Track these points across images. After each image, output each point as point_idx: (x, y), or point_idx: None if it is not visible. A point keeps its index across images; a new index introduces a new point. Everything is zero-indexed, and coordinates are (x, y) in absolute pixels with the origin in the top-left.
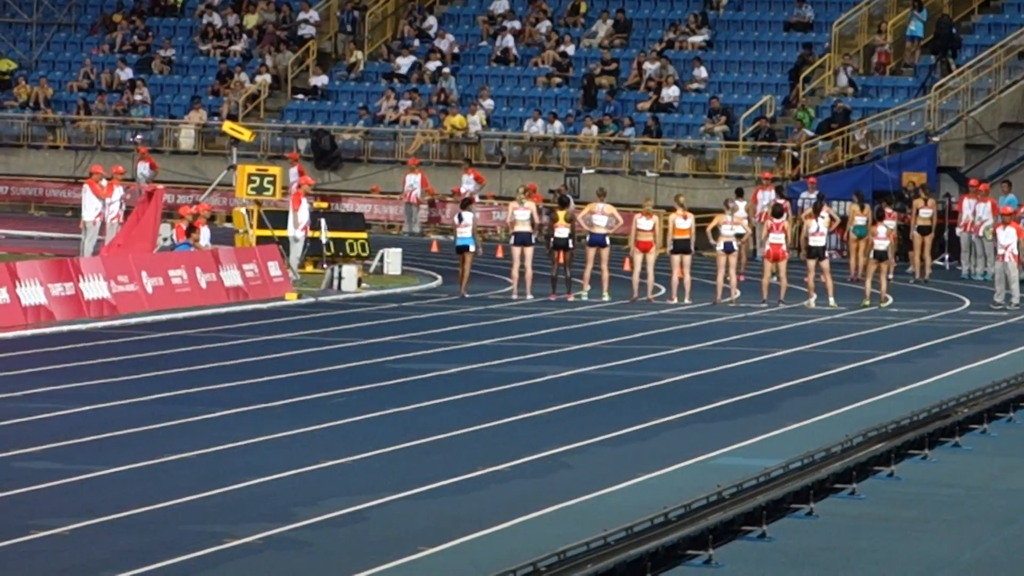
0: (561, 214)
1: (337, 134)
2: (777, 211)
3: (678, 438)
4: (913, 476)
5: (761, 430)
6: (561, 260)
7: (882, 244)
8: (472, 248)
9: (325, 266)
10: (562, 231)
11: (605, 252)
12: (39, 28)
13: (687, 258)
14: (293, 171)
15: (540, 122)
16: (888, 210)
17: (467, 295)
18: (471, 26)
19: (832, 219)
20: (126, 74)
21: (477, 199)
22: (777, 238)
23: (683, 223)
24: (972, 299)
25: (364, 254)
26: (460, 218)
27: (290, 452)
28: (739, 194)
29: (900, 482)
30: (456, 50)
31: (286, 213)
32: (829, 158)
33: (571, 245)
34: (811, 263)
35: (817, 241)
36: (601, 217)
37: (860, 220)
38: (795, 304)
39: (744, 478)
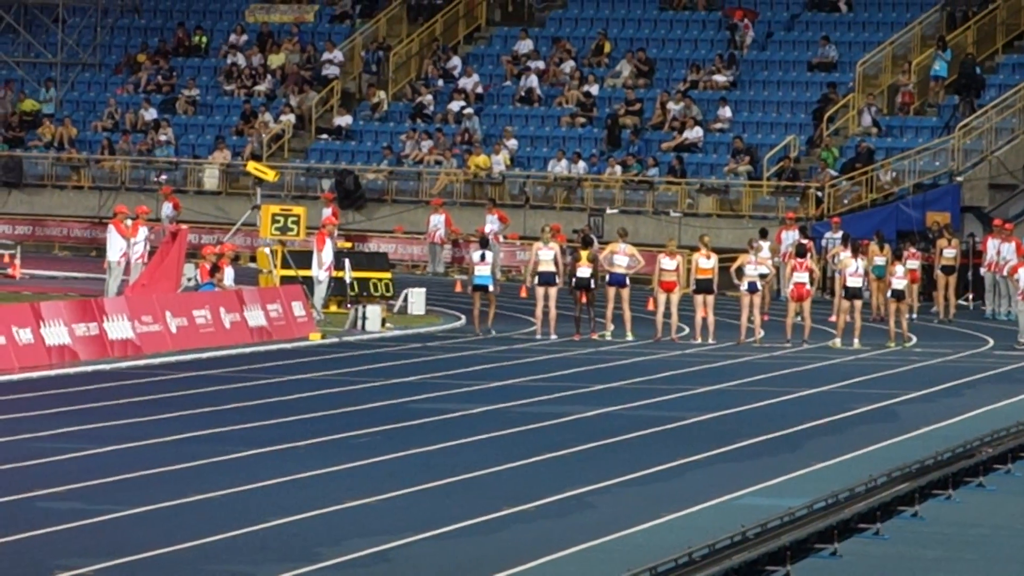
0: (584, 254)
1: (361, 174)
2: (800, 250)
3: (702, 478)
4: (937, 516)
5: (785, 470)
6: (584, 300)
7: (900, 283)
8: (491, 288)
9: (349, 306)
10: (584, 271)
11: (625, 292)
12: (63, 68)
13: (710, 298)
14: (326, 211)
15: (564, 162)
16: (911, 250)
17: (481, 335)
18: (495, 66)
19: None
20: (150, 114)
21: (501, 239)
22: (801, 277)
23: (706, 263)
24: (996, 339)
25: (388, 294)
26: (482, 257)
27: (314, 492)
28: (763, 234)
29: (924, 522)
30: (480, 90)
31: (310, 253)
32: (853, 198)
33: (593, 285)
34: (846, 304)
35: (855, 281)
36: (622, 257)
37: (879, 260)
38: (819, 344)
39: (768, 518)
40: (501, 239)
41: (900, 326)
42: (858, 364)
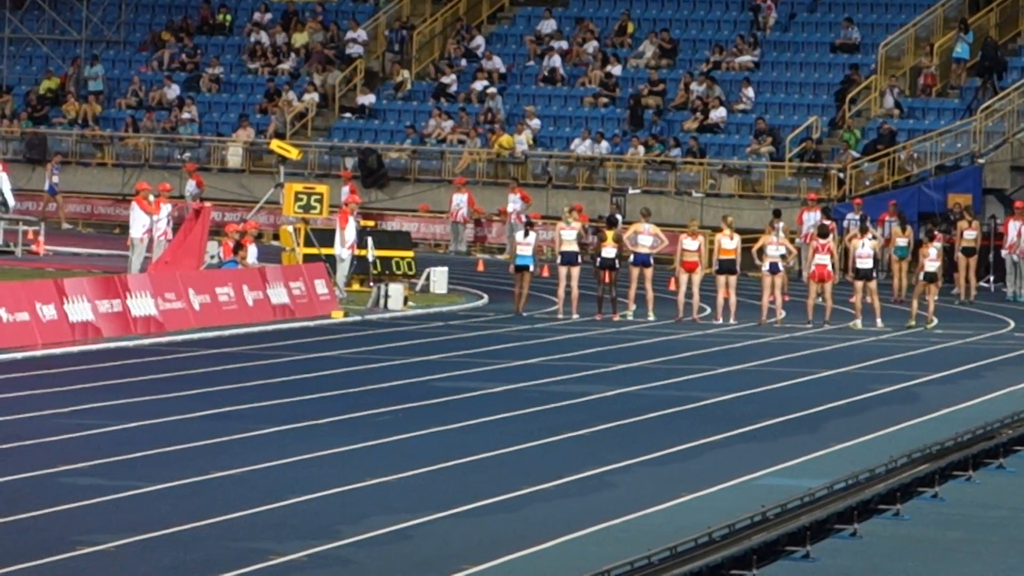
0: (609, 234)
1: (384, 153)
2: (823, 231)
3: (722, 458)
4: (957, 497)
5: (805, 451)
6: (607, 280)
7: (932, 265)
8: (532, 268)
9: (372, 284)
10: (609, 251)
11: (649, 272)
12: (88, 45)
13: (732, 278)
14: (345, 190)
15: (587, 142)
16: (936, 232)
17: (524, 314)
18: (518, 46)
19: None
20: (174, 92)
21: (523, 219)
22: (823, 259)
23: (729, 243)
24: (1017, 321)
25: (410, 273)
26: (525, 234)
27: (335, 470)
28: (777, 215)
29: (944, 503)
30: (503, 70)
31: (333, 231)
32: (875, 179)
33: (617, 265)
34: (858, 284)
35: (864, 263)
36: (646, 237)
37: (901, 241)
38: (840, 325)
39: (788, 498)
40: (523, 219)
41: (926, 308)
42: (878, 345)
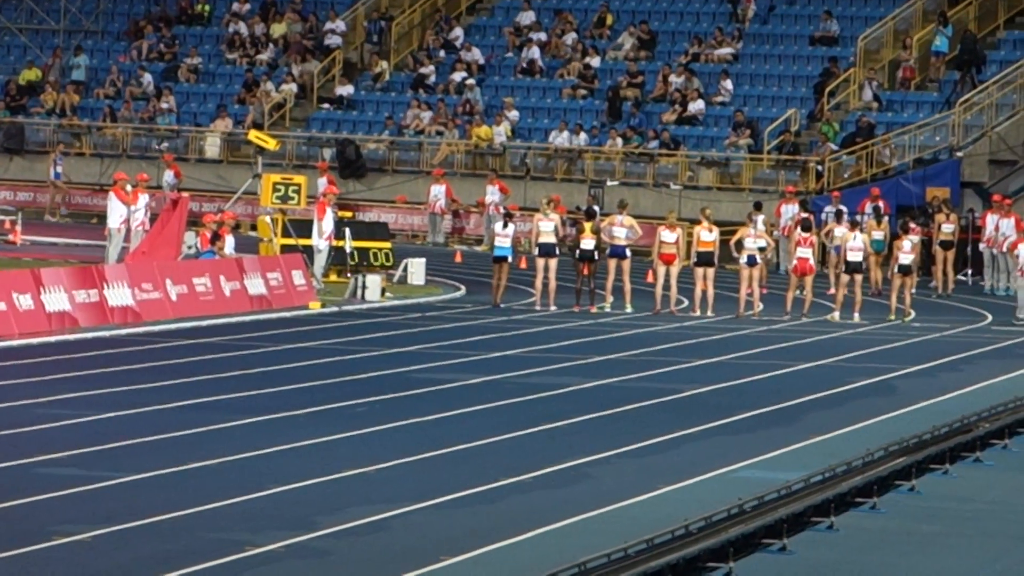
0: (588, 226)
1: (362, 144)
2: (806, 225)
3: (699, 450)
4: (934, 491)
5: (782, 443)
6: (586, 272)
7: (906, 258)
8: (510, 259)
9: (349, 275)
10: (588, 243)
11: (626, 264)
12: (66, 35)
13: (711, 271)
14: (322, 181)
15: (565, 134)
16: (912, 225)
17: (502, 305)
18: (497, 37)
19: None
20: (146, 80)
21: (501, 210)
22: (805, 252)
23: (708, 236)
24: (994, 314)
25: (388, 264)
26: (504, 225)
27: (312, 461)
28: (758, 207)
29: (921, 496)
30: (482, 61)
31: (311, 222)
32: (853, 172)
33: (596, 257)
34: (845, 277)
35: (855, 256)
36: (621, 229)
37: (877, 235)
38: (818, 317)
39: (765, 491)
40: (501, 210)
41: (903, 301)
42: (857, 338)
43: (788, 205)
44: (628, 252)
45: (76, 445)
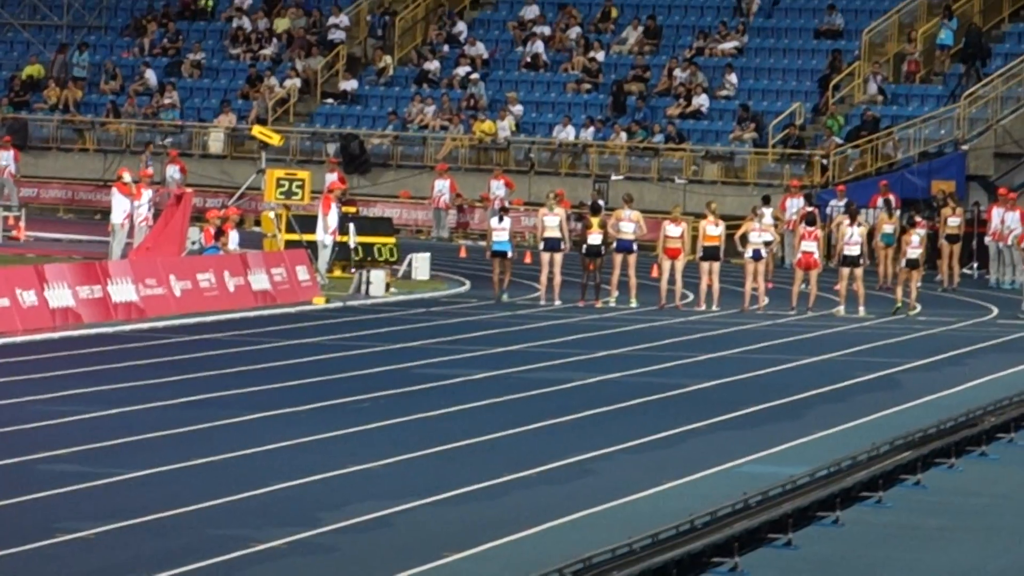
0: (595, 220)
1: (366, 139)
2: (810, 219)
3: (704, 445)
4: (939, 485)
5: (788, 438)
6: (592, 267)
7: (914, 252)
8: (509, 253)
9: (353, 271)
10: (595, 237)
11: (632, 258)
12: (69, 31)
13: (716, 265)
14: (331, 176)
15: (570, 128)
16: (917, 219)
17: (505, 300)
18: (501, 32)
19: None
20: (149, 75)
21: (507, 204)
22: (809, 246)
23: (714, 230)
24: (1000, 308)
25: (392, 259)
26: (500, 219)
27: (316, 456)
28: (766, 201)
29: (926, 491)
30: (486, 55)
31: (315, 217)
32: (858, 166)
33: (603, 252)
34: (844, 271)
35: (852, 250)
36: (628, 224)
37: (888, 228)
38: (823, 312)
39: (770, 486)
40: (507, 204)
41: (909, 295)
42: (861, 332)
43: (793, 199)
44: (635, 247)
45: (79, 441)
